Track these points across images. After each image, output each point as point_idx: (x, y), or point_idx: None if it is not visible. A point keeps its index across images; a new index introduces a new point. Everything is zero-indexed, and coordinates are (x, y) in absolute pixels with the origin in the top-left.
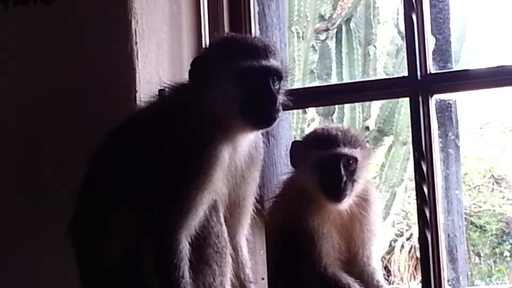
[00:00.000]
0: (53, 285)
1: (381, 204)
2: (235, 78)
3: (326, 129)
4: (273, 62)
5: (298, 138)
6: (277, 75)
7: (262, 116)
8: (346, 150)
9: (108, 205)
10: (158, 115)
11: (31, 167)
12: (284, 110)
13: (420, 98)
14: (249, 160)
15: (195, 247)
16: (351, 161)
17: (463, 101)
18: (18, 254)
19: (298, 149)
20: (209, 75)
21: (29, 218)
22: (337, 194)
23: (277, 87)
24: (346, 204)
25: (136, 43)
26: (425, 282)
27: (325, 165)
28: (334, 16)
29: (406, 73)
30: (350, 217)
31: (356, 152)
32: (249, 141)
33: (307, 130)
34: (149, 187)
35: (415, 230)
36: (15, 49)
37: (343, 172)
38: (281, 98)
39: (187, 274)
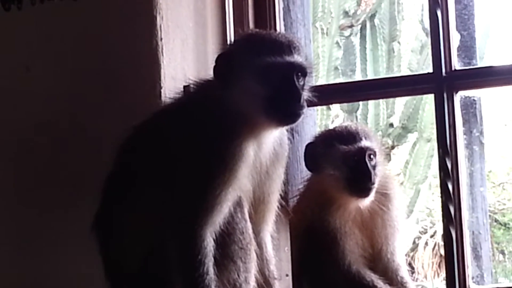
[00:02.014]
0: (78, 280)
1: (403, 199)
2: (259, 74)
3: (343, 126)
4: (297, 58)
5: None
6: (301, 71)
7: (287, 112)
8: (369, 144)
9: (132, 200)
10: (183, 111)
11: (57, 162)
12: (308, 106)
13: (445, 95)
14: (273, 157)
15: (219, 244)
16: (372, 155)
17: (488, 98)
18: (44, 250)
19: (316, 149)
20: (234, 71)
21: (54, 214)
22: (366, 188)
23: (301, 83)
24: (369, 200)
25: (161, 39)
26: (449, 279)
27: (351, 160)
28: (359, 12)
29: (430, 70)
30: (371, 214)
31: (374, 146)
32: (273, 137)
33: (331, 127)
34: (174, 183)
35: (439, 227)
36: (41, 44)
37: (369, 165)
38: (305, 94)
39: (211, 270)
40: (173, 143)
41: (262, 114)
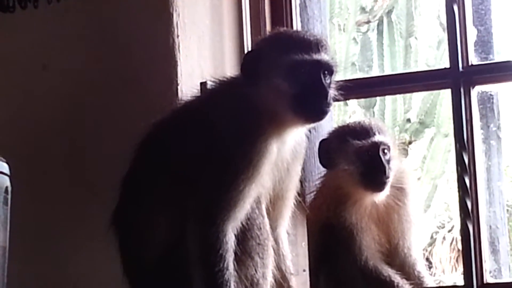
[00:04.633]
0: (95, 276)
1: (419, 193)
2: (287, 71)
3: (356, 122)
4: (324, 56)
5: None
6: (328, 69)
7: (314, 109)
8: (382, 138)
9: (152, 196)
10: (208, 107)
11: (75, 160)
12: None
13: (462, 90)
14: (293, 154)
15: (238, 239)
16: (386, 150)
17: (505, 92)
18: (61, 245)
19: (330, 146)
20: (261, 68)
21: (72, 210)
22: (380, 182)
23: (328, 81)
24: (384, 194)
25: (177, 36)
26: (467, 274)
27: (365, 155)
28: (375, 8)
29: (447, 65)
30: (387, 209)
31: (388, 140)
32: (295, 135)
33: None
34: (197, 179)
35: (456, 222)
36: (57, 42)
37: (383, 160)
38: (331, 92)
39: (231, 265)
40: (197, 138)
41: (289, 111)
